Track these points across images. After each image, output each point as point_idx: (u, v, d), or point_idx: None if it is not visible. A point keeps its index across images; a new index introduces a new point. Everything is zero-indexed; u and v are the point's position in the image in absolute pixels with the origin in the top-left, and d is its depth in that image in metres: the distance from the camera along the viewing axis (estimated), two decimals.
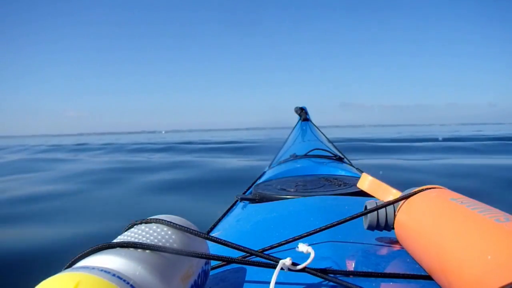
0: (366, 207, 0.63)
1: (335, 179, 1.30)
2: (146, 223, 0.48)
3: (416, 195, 0.58)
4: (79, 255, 0.40)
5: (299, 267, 0.47)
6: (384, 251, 0.62)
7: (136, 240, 0.42)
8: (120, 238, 0.44)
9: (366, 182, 0.71)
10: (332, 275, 0.49)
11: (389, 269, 0.54)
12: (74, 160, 9.99)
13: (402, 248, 0.61)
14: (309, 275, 0.48)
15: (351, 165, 1.96)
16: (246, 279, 0.55)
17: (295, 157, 1.87)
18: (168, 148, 13.95)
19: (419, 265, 0.54)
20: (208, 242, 0.51)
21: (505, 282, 0.34)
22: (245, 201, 1.20)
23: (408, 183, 0.69)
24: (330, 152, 1.93)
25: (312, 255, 0.49)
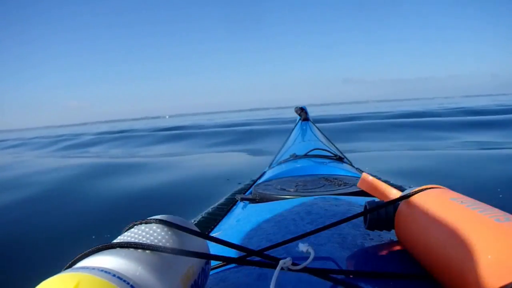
0: (366, 207, 0.63)
1: (335, 179, 1.30)
2: (146, 223, 0.48)
3: (416, 195, 0.58)
4: (79, 256, 0.40)
5: (299, 267, 0.47)
6: (384, 251, 0.62)
7: (136, 240, 0.42)
8: (120, 238, 0.44)
9: (366, 182, 0.71)
10: (332, 275, 0.49)
11: (389, 269, 0.54)
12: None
13: (402, 248, 0.61)
14: (309, 275, 0.48)
15: (351, 165, 1.96)
16: (246, 279, 0.55)
17: (295, 157, 1.87)
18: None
19: (419, 265, 0.54)
20: (208, 242, 0.51)
21: (505, 282, 0.34)
22: (245, 201, 1.20)
23: None
24: (330, 152, 1.93)
25: (312, 255, 0.49)
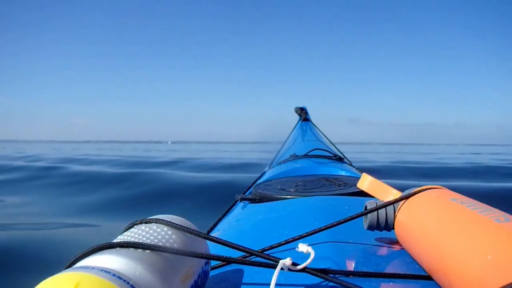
0: (366, 207, 0.63)
1: (335, 179, 1.30)
2: (146, 223, 0.48)
3: (416, 195, 0.58)
4: (79, 255, 0.40)
5: (299, 267, 0.47)
6: (384, 251, 0.63)
7: (136, 240, 0.42)
8: (120, 238, 0.44)
9: (366, 182, 0.71)
10: (332, 275, 0.49)
11: (389, 269, 0.54)
12: None
13: (402, 248, 0.61)
14: (309, 275, 0.48)
15: (351, 165, 1.96)
16: (246, 279, 0.55)
17: (295, 157, 1.87)
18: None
19: (419, 265, 0.54)
20: (208, 242, 0.51)
21: (505, 282, 0.34)
22: (245, 201, 1.20)
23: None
24: (330, 152, 1.93)
25: (312, 255, 0.49)
